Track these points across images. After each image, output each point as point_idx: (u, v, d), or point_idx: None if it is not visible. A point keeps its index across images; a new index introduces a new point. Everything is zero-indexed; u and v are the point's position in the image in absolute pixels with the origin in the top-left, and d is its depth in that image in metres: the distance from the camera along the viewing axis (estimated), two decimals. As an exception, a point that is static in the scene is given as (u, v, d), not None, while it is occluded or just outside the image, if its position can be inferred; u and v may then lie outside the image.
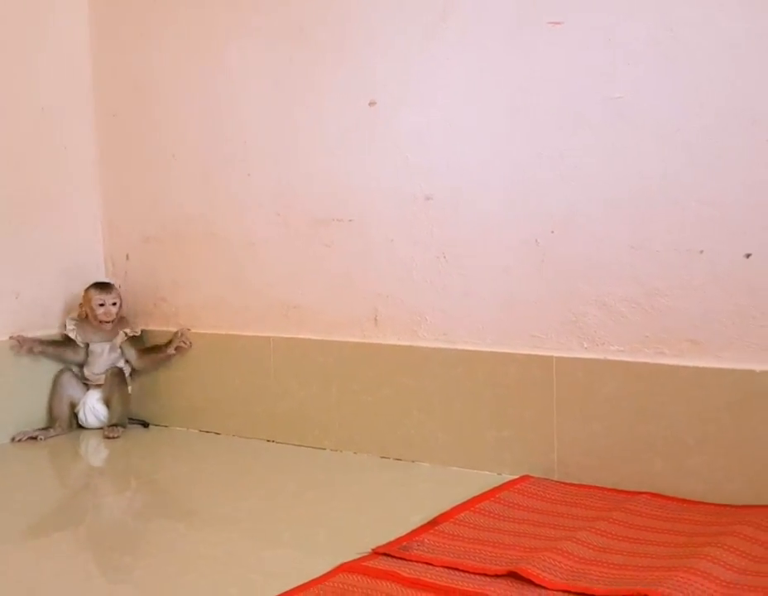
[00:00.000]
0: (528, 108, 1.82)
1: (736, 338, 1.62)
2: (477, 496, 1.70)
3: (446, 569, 1.36)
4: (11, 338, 2.36)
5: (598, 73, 1.73)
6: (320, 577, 1.34)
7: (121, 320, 2.45)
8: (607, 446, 1.74)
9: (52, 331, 2.46)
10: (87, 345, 2.44)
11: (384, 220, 2.03)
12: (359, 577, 1.33)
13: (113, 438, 2.31)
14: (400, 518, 1.61)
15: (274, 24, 2.18)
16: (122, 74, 2.51)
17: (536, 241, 1.83)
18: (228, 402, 2.32)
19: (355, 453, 2.09)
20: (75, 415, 2.43)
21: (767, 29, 1.56)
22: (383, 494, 1.79)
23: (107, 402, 2.40)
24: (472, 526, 1.55)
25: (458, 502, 1.66)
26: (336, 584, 1.31)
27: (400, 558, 1.40)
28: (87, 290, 2.42)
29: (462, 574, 1.34)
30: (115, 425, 2.36)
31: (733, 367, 1.61)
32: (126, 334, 2.43)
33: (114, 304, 2.41)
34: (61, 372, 2.44)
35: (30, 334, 2.39)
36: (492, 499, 1.68)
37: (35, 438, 2.33)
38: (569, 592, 1.27)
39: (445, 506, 1.64)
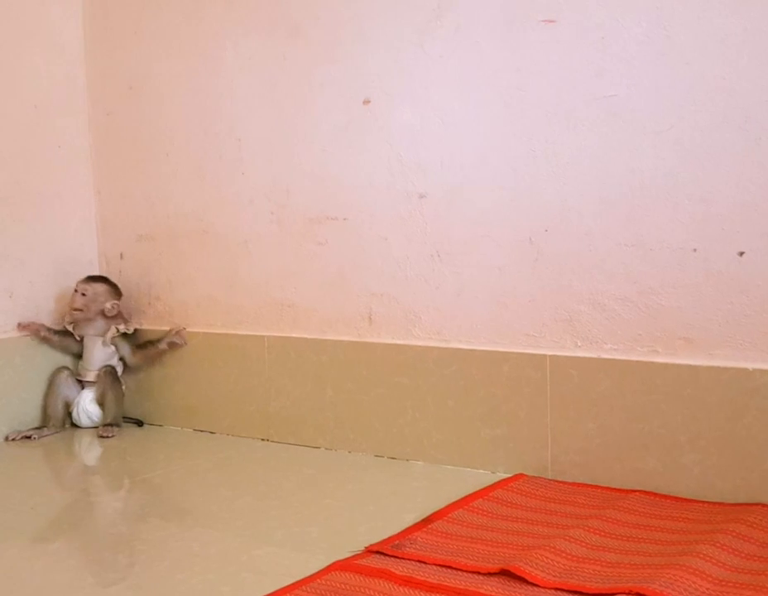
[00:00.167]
0: (521, 106, 1.82)
1: (730, 337, 1.62)
2: (471, 494, 1.70)
3: (439, 568, 1.36)
4: (18, 325, 2.39)
5: (592, 71, 1.73)
6: (313, 575, 1.34)
7: (116, 316, 2.45)
8: (600, 444, 1.74)
9: (46, 330, 2.47)
10: (82, 339, 2.45)
11: (378, 219, 2.03)
12: (352, 575, 1.33)
13: (108, 437, 2.31)
14: (394, 516, 1.61)
15: (268, 22, 2.18)
16: (116, 72, 2.51)
17: (530, 239, 1.83)
18: (222, 401, 2.32)
19: (349, 451, 2.09)
20: (70, 415, 2.43)
21: (760, 27, 1.57)
22: (377, 493, 1.79)
23: (100, 402, 2.40)
24: (465, 524, 1.55)
25: (452, 501, 1.66)
26: (328, 583, 1.31)
27: (393, 556, 1.40)
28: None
29: (454, 572, 1.34)
30: (109, 424, 2.36)
31: (727, 365, 1.61)
32: (117, 330, 2.43)
33: (83, 295, 2.41)
34: (57, 371, 2.43)
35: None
36: (486, 497, 1.68)
37: (29, 437, 2.33)
38: (562, 590, 1.27)
39: (439, 504, 1.65)
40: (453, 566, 1.36)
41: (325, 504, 1.72)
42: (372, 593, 1.27)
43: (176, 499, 1.83)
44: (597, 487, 1.72)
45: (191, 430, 2.37)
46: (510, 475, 1.82)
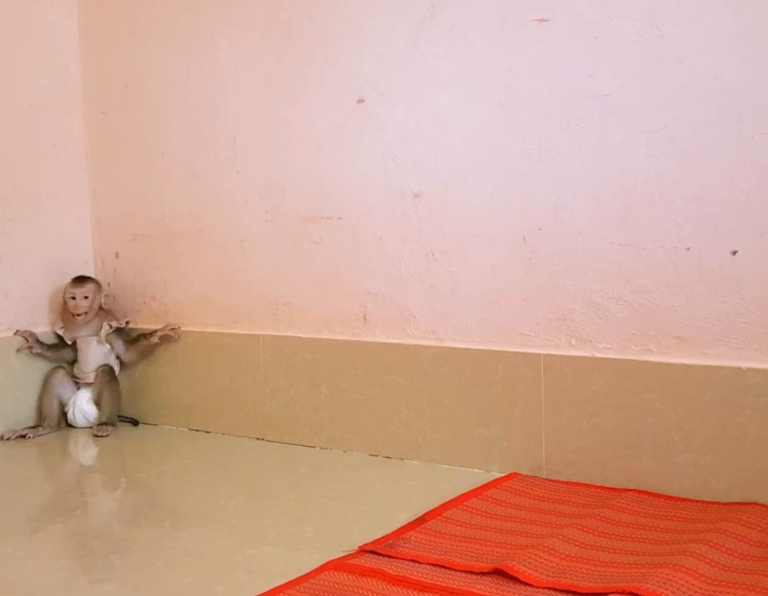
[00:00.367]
0: (515, 106, 1.82)
1: (723, 336, 1.62)
2: (465, 493, 1.70)
3: (432, 567, 1.36)
4: (16, 333, 2.39)
5: (585, 70, 1.73)
6: (306, 574, 1.34)
7: (107, 314, 2.45)
8: (594, 443, 1.75)
9: (41, 329, 2.46)
10: (75, 343, 2.44)
11: (372, 218, 2.03)
12: (345, 575, 1.33)
13: (102, 437, 2.31)
14: (388, 516, 1.61)
15: (262, 21, 2.18)
16: (111, 71, 2.50)
17: (524, 238, 1.83)
18: (217, 400, 2.32)
19: (344, 451, 2.09)
20: (65, 415, 2.42)
21: (753, 26, 1.57)
22: (371, 492, 1.79)
23: (97, 402, 2.40)
24: (459, 523, 1.55)
25: (446, 500, 1.66)
26: (322, 582, 1.31)
27: (387, 555, 1.40)
28: (67, 284, 2.44)
29: (448, 571, 1.34)
30: (105, 423, 2.36)
31: (720, 363, 1.62)
32: (110, 326, 2.43)
33: (86, 297, 2.41)
34: (53, 370, 2.43)
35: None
36: (480, 496, 1.68)
37: (24, 436, 2.33)
38: (555, 589, 1.27)
39: (433, 503, 1.65)
40: (447, 566, 1.36)
41: (319, 503, 1.72)
42: (366, 593, 1.27)
43: (171, 498, 1.83)
44: (591, 486, 1.73)
45: (186, 430, 2.37)
46: (504, 474, 1.83)
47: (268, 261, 2.22)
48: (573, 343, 1.78)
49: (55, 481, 2.06)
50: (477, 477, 1.83)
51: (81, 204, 2.58)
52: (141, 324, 2.48)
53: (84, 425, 2.40)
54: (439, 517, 1.57)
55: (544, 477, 1.80)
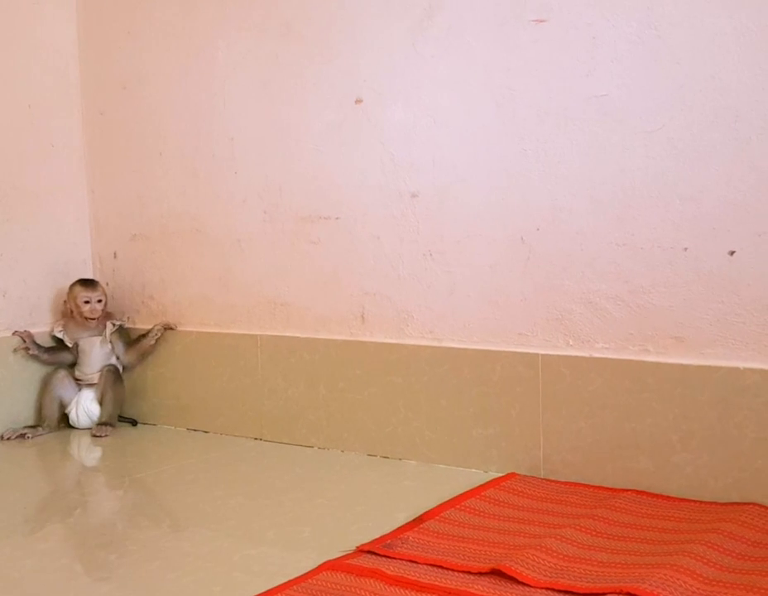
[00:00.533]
0: (513, 106, 1.82)
1: (721, 336, 1.62)
2: (463, 493, 1.70)
3: (430, 567, 1.36)
4: (14, 333, 2.39)
5: (583, 70, 1.73)
6: (304, 575, 1.35)
7: (107, 316, 2.45)
8: (592, 443, 1.75)
9: (40, 329, 2.46)
10: (76, 345, 2.44)
11: (370, 218, 2.04)
12: (343, 575, 1.33)
13: (101, 437, 2.31)
14: (386, 516, 1.61)
15: (260, 21, 2.18)
16: (110, 71, 2.51)
17: (522, 238, 1.83)
18: (215, 400, 2.32)
19: (342, 451, 2.09)
20: (65, 415, 2.42)
21: (750, 26, 1.57)
22: (369, 492, 1.79)
23: (101, 401, 2.40)
24: (457, 523, 1.55)
25: (444, 500, 1.66)
26: (320, 582, 1.31)
27: (385, 556, 1.40)
28: (72, 286, 2.43)
29: (445, 571, 1.34)
30: (104, 423, 2.36)
31: (717, 364, 1.62)
32: (113, 325, 2.43)
33: (100, 301, 2.42)
34: (53, 371, 2.43)
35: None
36: (478, 496, 1.68)
37: (24, 436, 2.33)
38: (553, 589, 1.27)
39: (431, 503, 1.65)
40: (445, 566, 1.36)
41: (317, 503, 1.72)
42: (363, 593, 1.27)
43: (169, 498, 1.83)
44: (589, 486, 1.73)
45: (185, 430, 2.37)
46: (502, 474, 1.83)
47: (266, 261, 2.22)
48: (571, 343, 1.78)
49: (54, 481, 2.06)
50: (475, 477, 1.84)
51: (79, 204, 2.58)
52: (140, 323, 2.49)
53: (88, 425, 2.40)
54: (437, 517, 1.58)
55: (542, 477, 1.80)
